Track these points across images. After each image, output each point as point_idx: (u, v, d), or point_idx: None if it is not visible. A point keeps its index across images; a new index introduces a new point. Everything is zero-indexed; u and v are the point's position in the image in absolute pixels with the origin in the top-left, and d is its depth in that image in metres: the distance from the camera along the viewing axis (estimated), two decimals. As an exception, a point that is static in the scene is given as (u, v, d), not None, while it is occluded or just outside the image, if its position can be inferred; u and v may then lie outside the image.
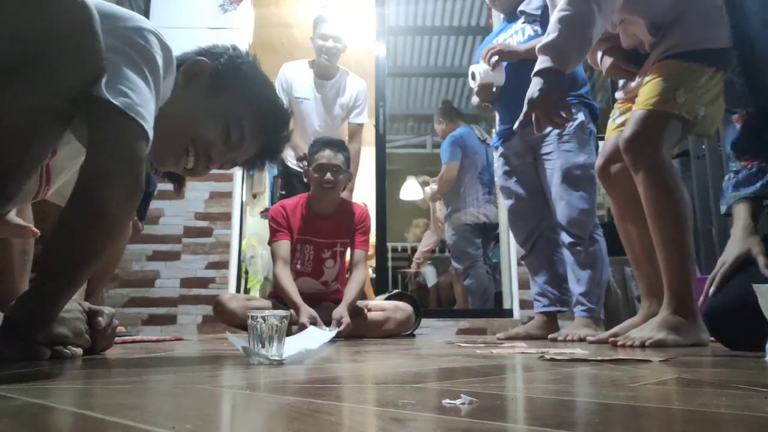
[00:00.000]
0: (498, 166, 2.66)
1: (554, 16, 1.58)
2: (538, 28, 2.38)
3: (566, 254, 2.30)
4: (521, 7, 2.46)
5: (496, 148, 2.62)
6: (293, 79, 3.34)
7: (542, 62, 1.58)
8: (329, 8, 3.47)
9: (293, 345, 1.08)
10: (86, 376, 0.79)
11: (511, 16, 2.55)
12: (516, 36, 2.49)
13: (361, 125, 3.38)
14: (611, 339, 1.59)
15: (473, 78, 2.45)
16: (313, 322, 2.21)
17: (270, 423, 0.44)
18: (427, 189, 4.75)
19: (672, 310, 1.48)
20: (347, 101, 3.35)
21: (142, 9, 3.77)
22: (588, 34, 1.56)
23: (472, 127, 4.30)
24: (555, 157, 2.33)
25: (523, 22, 2.46)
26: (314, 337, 1.56)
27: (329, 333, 2.02)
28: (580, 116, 2.34)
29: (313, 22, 3.37)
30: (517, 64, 2.32)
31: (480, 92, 2.46)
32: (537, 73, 1.58)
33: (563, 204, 2.28)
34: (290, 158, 3.35)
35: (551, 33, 1.57)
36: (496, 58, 2.33)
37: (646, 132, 1.52)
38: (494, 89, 2.43)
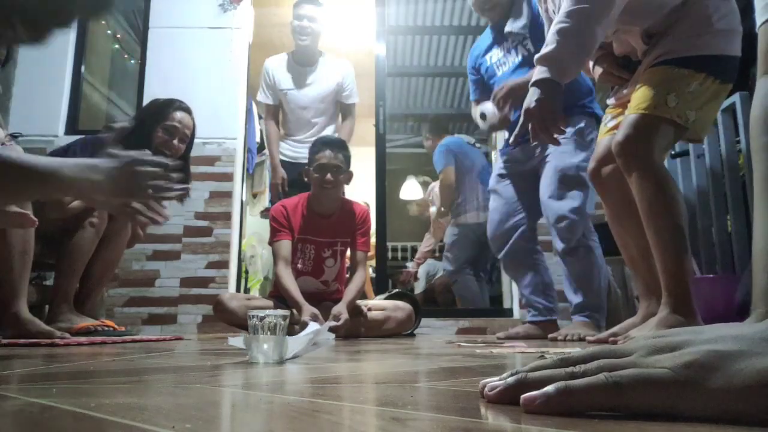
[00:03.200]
0: (496, 166, 2.66)
1: (552, 28, 1.59)
2: (530, 46, 2.38)
3: (560, 264, 2.30)
4: (507, 28, 2.44)
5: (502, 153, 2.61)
6: (275, 72, 3.35)
7: (540, 73, 1.59)
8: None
9: (294, 344, 1.08)
10: (86, 376, 0.79)
11: (499, 36, 2.53)
12: (510, 57, 2.48)
13: (353, 104, 3.36)
14: (611, 339, 1.60)
15: (483, 118, 2.46)
16: (315, 320, 2.21)
17: (270, 423, 0.44)
18: (432, 209, 4.77)
19: (671, 310, 1.48)
20: (333, 85, 3.32)
21: (141, 9, 3.77)
22: (586, 46, 1.58)
23: (458, 135, 4.37)
24: (551, 159, 2.34)
25: (513, 43, 2.45)
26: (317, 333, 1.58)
27: (326, 324, 2.05)
28: (581, 123, 2.34)
29: (293, 8, 3.40)
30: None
31: (496, 126, 2.47)
32: (534, 84, 1.60)
33: (552, 201, 2.28)
34: (284, 149, 3.33)
35: (549, 45, 1.58)
36: (507, 108, 2.33)
37: (639, 135, 1.53)
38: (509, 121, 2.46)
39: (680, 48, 1.57)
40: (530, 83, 1.61)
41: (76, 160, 1.11)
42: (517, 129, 1.64)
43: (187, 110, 2.41)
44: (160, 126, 2.30)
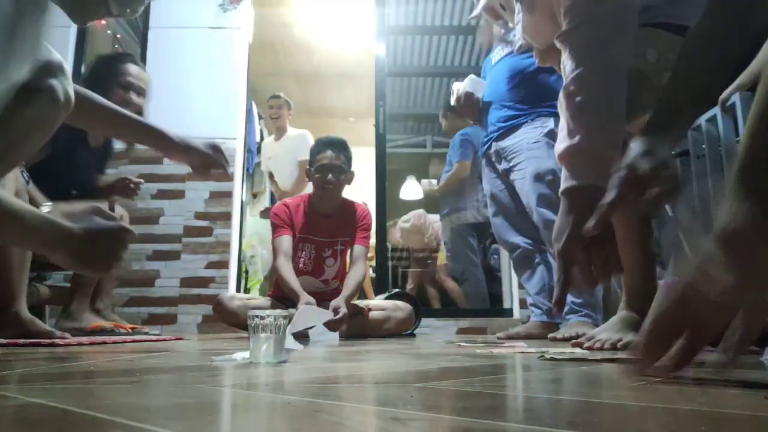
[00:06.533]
0: (484, 170, 2.69)
1: (564, 103, 1.09)
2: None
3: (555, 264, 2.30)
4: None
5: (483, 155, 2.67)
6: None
7: (565, 180, 1.07)
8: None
9: (295, 328, 1.08)
10: (86, 376, 0.79)
11: (502, 41, 2.65)
12: (504, 49, 2.59)
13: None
14: (573, 342, 1.52)
15: (453, 94, 2.58)
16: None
17: (270, 423, 0.44)
18: (425, 182, 4.72)
19: (630, 307, 1.44)
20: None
21: (142, 9, 3.77)
22: (612, 113, 1.06)
23: (477, 127, 4.28)
24: (526, 165, 2.36)
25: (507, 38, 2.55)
26: (311, 316, 1.60)
27: (326, 313, 2.08)
28: (550, 124, 2.35)
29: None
30: (509, 73, 2.48)
31: (464, 107, 2.54)
32: (563, 193, 1.06)
33: (537, 209, 2.29)
34: None
35: (577, 133, 1.04)
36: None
37: None
38: (476, 101, 2.56)
39: None
40: (560, 191, 1.07)
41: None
42: (557, 291, 0.99)
43: (138, 63, 2.32)
44: (114, 85, 2.19)
